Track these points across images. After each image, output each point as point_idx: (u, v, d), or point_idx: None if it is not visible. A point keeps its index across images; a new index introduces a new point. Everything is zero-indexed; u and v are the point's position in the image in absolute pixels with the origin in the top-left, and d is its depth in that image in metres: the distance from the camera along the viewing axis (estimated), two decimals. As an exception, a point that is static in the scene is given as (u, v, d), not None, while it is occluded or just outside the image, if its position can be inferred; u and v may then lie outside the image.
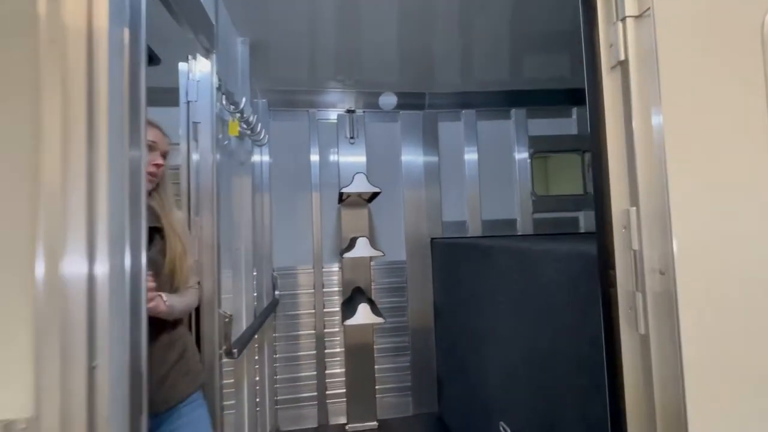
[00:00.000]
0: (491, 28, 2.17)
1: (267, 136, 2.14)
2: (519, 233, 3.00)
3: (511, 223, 3.02)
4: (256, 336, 2.51)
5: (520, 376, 1.58)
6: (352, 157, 2.89)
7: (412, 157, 2.96)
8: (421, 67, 2.61)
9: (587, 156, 3.11)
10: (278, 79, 2.70)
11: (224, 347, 1.42)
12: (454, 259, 2.40)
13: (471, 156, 3.01)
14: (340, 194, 2.37)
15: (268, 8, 1.89)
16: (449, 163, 3.00)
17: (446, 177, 2.99)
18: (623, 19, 0.73)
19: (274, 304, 2.61)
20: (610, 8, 0.76)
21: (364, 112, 2.93)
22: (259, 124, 1.93)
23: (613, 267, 0.76)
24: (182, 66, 1.41)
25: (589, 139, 0.81)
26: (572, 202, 3.07)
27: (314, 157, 2.87)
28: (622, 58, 0.73)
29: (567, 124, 3.12)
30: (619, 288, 0.75)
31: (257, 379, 2.56)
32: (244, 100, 1.54)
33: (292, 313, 2.80)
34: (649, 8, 0.68)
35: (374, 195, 2.53)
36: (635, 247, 0.72)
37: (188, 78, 1.39)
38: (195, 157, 1.41)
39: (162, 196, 1.26)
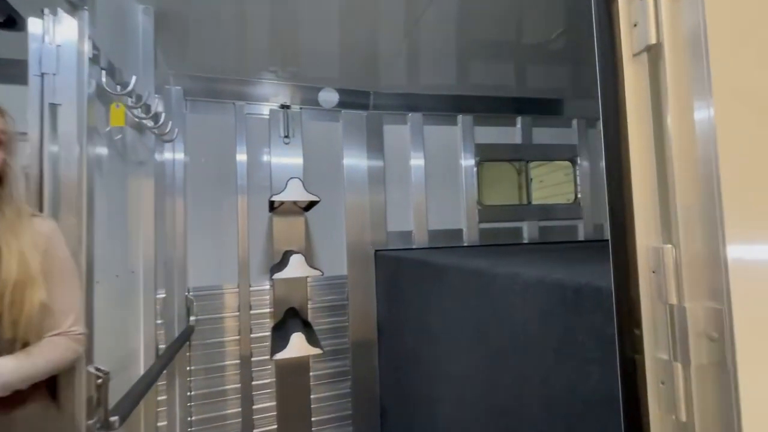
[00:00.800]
0: (437, 29, 2.00)
1: (177, 130, 1.73)
2: (465, 244, 2.88)
3: (458, 233, 2.89)
4: (156, 382, 2.07)
5: (477, 416, 1.38)
6: (286, 159, 2.54)
7: (355, 160, 2.69)
8: (365, 63, 2.37)
9: (530, 166, 3.11)
10: (199, 64, 2.27)
11: (97, 417, 1.03)
12: (402, 275, 2.18)
13: (417, 162, 2.82)
14: (271, 202, 2.02)
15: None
16: (395, 168, 2.78)
17: (392, 184, 2.77)
18: (654, -11, 0.53)
19: (187, 333, 2.17)
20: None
21: (301, 108, 2.60)
22: (163, 115, 1.53)
23: (638, 325, 0.56)
24: (34, 24, 0.99)
25: (604, 145, 0.61)
26: (517, 212, 3.02)
27: (241, 157, 2.47)
28: (653, 41, 0.54)
29: (511, 133, 3.08)
30: (647, 355, 0.55)
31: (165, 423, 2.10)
32: (134, 79, 1.16)
33: (213, 340, 2.36)
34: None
35: (312, 203, 2.22)
36: (672, 300, 0.52)
37: (43, 41, 0.98)
38: (53, 149, 1.00)
39: (4, 199, 0.86)
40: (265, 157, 2.53)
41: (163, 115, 1.50)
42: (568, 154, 3.14)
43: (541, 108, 3.06)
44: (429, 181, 2.83)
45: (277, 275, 1.83)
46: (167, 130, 1.58)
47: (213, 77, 2.39)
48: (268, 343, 2.42)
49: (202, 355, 2.34)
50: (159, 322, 2.13)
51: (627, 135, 0.57)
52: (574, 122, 3.16)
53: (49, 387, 0.94)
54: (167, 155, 2.20)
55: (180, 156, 2.28)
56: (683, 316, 0.51)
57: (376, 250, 2.66)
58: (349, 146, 2.68)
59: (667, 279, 0.53)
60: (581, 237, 3.11)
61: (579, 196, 3.14)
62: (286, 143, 2.54)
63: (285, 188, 1.95)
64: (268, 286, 2.46)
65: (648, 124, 0.55)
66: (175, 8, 1.74)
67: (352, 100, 2.67)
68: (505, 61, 2.45)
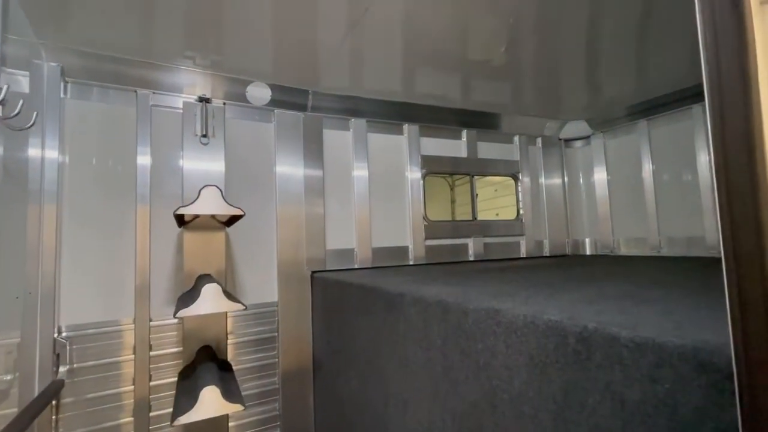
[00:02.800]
0: (383, 29, 1.80)
1: (36, 114, 1.25)
2: (411, 262, 2.66)
3: (403, 251, 2.66)
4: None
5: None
6: (203, 163, 2.10)
7: (290, 168, 2.34)
8: (304, 58, 2.06)
9: (477, 182, 3.02)
10: (88, 37, 1.77)
11: None
12: (345, 302, 1.86)
13: (361, 172, 2.55)
14: (179, 216, 1.59)
15: None
16: (336, 178, 2.48)
17: (332, 195, 2.46)
18: None
19: (53, 390, 1.61)
20: None
21: (224, 104, 2.19)
22: (5, 88, 1.06)
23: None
24: None
25: (711, 129, 0.39)
26: (462, 228, 2.89)
27: (144, 159, 1.98)
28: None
29: (456, 146, 2.97)
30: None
31: None
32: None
33: (94, 395, 1.80)
34: None
35: (235, 217, 1.82)
36: None
37: None
38: None
39: None
40: (176, 161, 2.07)
41: (4, 89, 1.03)
42: (511, 169, 3.12)
43: (484, 122, 3.00)
44: (373, 193, 2.57)
45: (183, 312, 1.39)
46: (15, 112, 1.11)
47: (108, 56, 1.88)
48: (172, 392, 1.93)
49: (78, 417, 1.76)
50: (7, 377, 1.55)
51: (760, 111, 0.35)
52: (516, 138, 3.16)
53: None
54: (31, 152, 1.65)
55: (52, 154, 1.73)
56: None
57: (313, 272, 2.31)
58: (283, 151, 2.32)
59: None
60: (523, 253, 3.08)
61: (521, 212, 3.12)
62: (204, 144, 2.10)
63: (197, 198, 1.54)
64: (174, 320, 1.97)
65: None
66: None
67: (287, 98, 2.32)
68: (451, 72, 2.33)
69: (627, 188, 2.97)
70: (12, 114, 1.10)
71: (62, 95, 1.81)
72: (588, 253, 3.23)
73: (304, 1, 1.58)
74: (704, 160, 2.49)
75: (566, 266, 2.22)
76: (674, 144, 2.68)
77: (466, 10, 1.71)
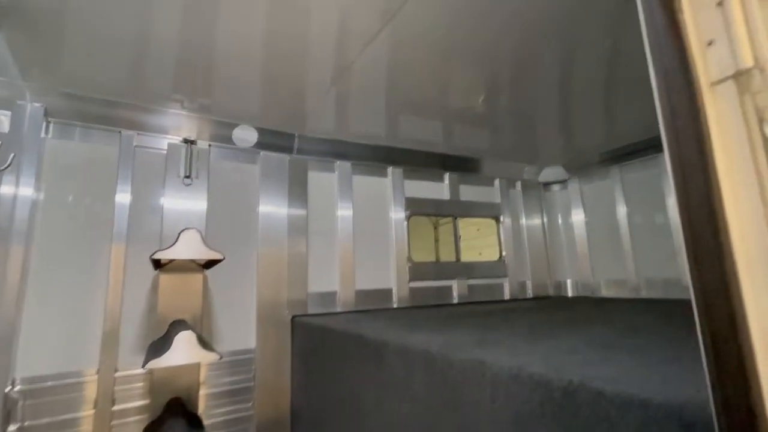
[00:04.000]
0: (368, 78, 1.89)
1: (13, 155, 1.23)
2: (395, 305, 2.61)
3: (387, 293, 2.62)
4: None
5: None
6: (185, 203, 2.07)
7: (274, 208, 2.33)
8: (291, 103, 2.12)
9: (459, 222, 3.06)
10: (71, 80, 1.78)
11: None
12: (327, 350, 1.79)
13: (345, 213, 2.56)
14: (155, 260, 1.54)
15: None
16: (319, 220, 2.47)
17: (315, 236, 2.44)
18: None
19: (-2, 453, 1.45)
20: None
21: (210, 145, 2.20)
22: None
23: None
24: None
25: (678, 200, 0.41)
26: (446, 270, 2.89)
27: (123, 198, 1.94)
28: (749, 64, 0.36)
29: (439, 189, 3.03)
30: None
31: None
32: None
33: (45, 457, 1.63)
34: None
35: (214, 260, 1.77)
36: None
37: None
38: None
39: None
40: (157, 201, 2.03)
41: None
42: (493, 211, 3.19)
43: (466, 166, 3.10)
44: (357, 234, 2.57)
45: (154, 362, 1.31)
46: (-8, 153, 1.09)
47: (93, 98, 1.89)
48: (135, 452, 1.77)
49: (23, 483, 1.58)
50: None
51: (720, 192, 0.37)
52: (496, 182, 3.25)
53: None
54: (4, 189, 1.60)
55: (27, 191, 1.68)
56: None
57: (294, 316, 2.23)
58: (267, 192, 2.32)
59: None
60: (507, 295, 3.07)
61: (504, 253, 3.15)
62: (187, 185, 2.08)
63: (176, 241, 1.50)
64: (143, 370, 1.84)
65: (749, 168, 0.36)
66: (45, 1, 1.32)
67: (273, 141, 2.36)
68: (434, 119, 2.44)
69: (604, 230, 3.06)
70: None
71: (43, 135, 1.79)
72: (570, 294, 3.25)
73: (294, 50, 1.65)
74: (673, 204, 2.61)
75: (549, 309, 2.22)
76: (646, 189, 2.80)
77: (447, 62, 1.82)
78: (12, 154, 1.21)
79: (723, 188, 0.37)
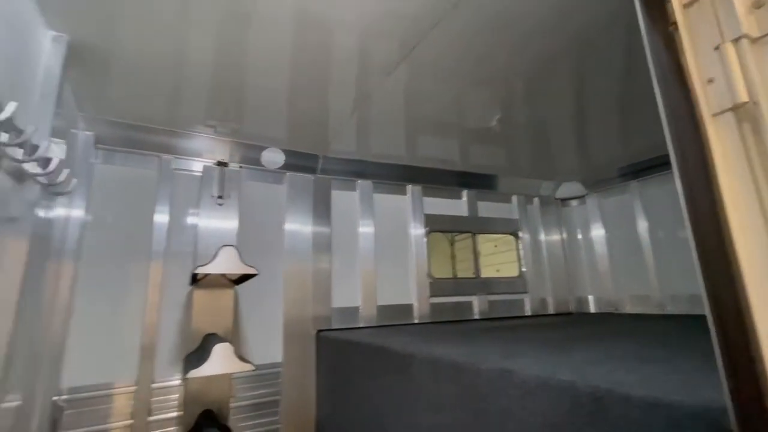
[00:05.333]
0: (388, 104, 2.01)
1: (75, 181, 1.36)
2: (416, 321, 2.64)
3: (408, 308, 2.66)
4: None
5: None
6: (218, 222, 2.19)
7: (299, 226, 2.43)
8: (315, 127, 2.24)
9: (478, 238, 3.10)
10: (120, 109, 1.95)
11: None
12: (352, 363, 1.84)
13: (367, 230, 2.64)
14: (194, 275, 1.64)
15: (111, 3, 1.28)
16: (342, 236, 2.56)
17: (338, 253, 2.52)
18: (736, 41, 0.44)
19: (47, 459, 1.54)
20: (705, 28, 0.47)
21: (240, 167, 2.33)
22: (57, 161, 1.17)
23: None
24: None
25: (690, 222, 0.47)
26: (466, 286, 2.91)
27: (161, 218, 2.07)
28: (744, 99, 0.43)
29: (458, 205, 3.09)
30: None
31: None
32: (11, 106, 0.85)
33: (86, 465, 1.71)
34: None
35: (246, 275, 1.86)
36: None
37: None
38: None
39: None
40: (192, 220, 2.16)
41: (56, 161, 1.14)
42: (511, 227, 3.22)
43: (483, 183, 3.16)
44: (378, 251, 2.64)
45: (194, 372, 1.39)
46: (60, 179, 1.21)
47: (136, 125, 2.06)
48: (169, 462, 1.83)
49: (67, 490, 1.66)
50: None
51: (725, 211, 0.43)
52: (514, 198, 3.30)
53: None
54: (59, 211, 1.74)
55: (78, 213, 1.83)
56: None
57: (319, 331, 2.30)
58: (293, 210, 2.43)
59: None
60: (528, 311, 3.07)
61: (523, 269, 3.16)
62: (220, 204, 2.21)
63: (215, 257, 1.60)
64: (177, 382, 1.93)
65: (751, 194, 0.42)
66: (98, 42, 1.48)
67: (299, 162, 2.48)
68: (451, 138, 2.53)
69: (625, 246, 3.04)
70: (57, 181, 1.21)
71: (92, 160, 1.95)
72: (592, 310, 3.22)
73: (318, 81, 1.78)
74: (696, 219, 2.59)
75: (572, 325, 2.22)
76: (666, 203, 2.80)
77: (462, 86, 1.91)
78: (74, 180, 1.34)
79: (726, 203, 0.43)
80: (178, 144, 2.17)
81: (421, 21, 1.44)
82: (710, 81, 0.46)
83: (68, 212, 1.78)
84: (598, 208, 3.26)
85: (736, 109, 0.44)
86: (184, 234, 2.12)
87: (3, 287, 1.23)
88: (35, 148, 1.09)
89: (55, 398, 1.68)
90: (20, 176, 1.21)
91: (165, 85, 1.77)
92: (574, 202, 3.45)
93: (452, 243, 5.46)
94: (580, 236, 3.38)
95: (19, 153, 1.07)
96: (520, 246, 3.21)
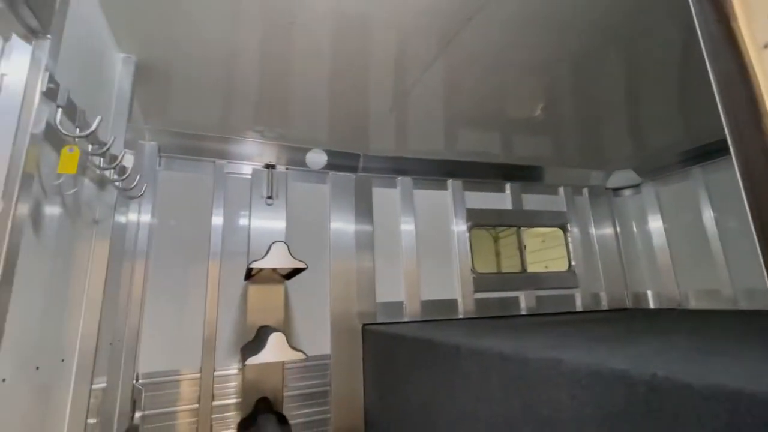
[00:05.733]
0: (426, 100, 2.01)
1: (145, 185, 1.51)
2: (461, 316, 2.63)
3: (452, 304, 2.65)
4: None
5: None
6: (268, 222, 2.32)
7: (343, 224, 2.51)
8: (355, 127, 2.30)
9: (523, 233, 3.01)
10: (179, 121, 2.13)
11: None
12: (398, 355, 1.88)
13: (408, 226, 2.67)
14: (249, 269, 1.76)
15: (171, 24, 1.41)
16: (384, 233, 2.61)
17: (381, 249, 2.57)
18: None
19: (129, 435, 1.72)
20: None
21: (287, 168, 2.45)
22: (130, 168, 1.31)
23: None
24: (-24, 48, 0.81)
25: (747, 202, 0.45)
26: (512, 281, 2.85)
27: (217, 219, 2.23)
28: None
29: (501, 199, 3.03)
30: None
31: None
32: (97, 120, 0.97)
33: (161, 443, 1.90)
34: None
35: (296, 271, 1.96)
36: None
37: (-18, 66, 0.79)
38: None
39: None
40: (244, 220, 2.31)
41: (129, 168, 1.29)
42: (559, 220, 3.10)
43: (528, 175, 3.07)
44: (420, 246, 2.66)
45: (252, 359, 1.50)
46: (134, 184, 1.36)
47: (193, 134, 2.23)
48: (231, 445, 1.98)
49: (145, 465, 1.85)
50: (92, 421, 1.68)
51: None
52: (561, 189, 3.17)
53: None
54: (132, 216, 1.94)
55: (146, 217, 2.03)
56: None
57: (364, 325, 2.36)
58: (336, 209, 2.52)
59: None
60: (579, 307, 2.93)
61: (573, 263, 3.03)
62: (269, 204, 2.34)
63: (267, 253, 1.71)
64: (235, 371, 2.07)
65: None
66: (161, 62, 1.63)
67: (340, 162, 2.56)
68: (492, 131, 2.48)
69: (688, 237, 2.82)
70: (131, 186, 1.36)
71: (157, 168, 2.15)
72: (652, 306, 3.01)
73: (357, 80, 1.83)
74: (772, 205, 2.34)
75: (628, 320, 2.10)
76: (735, 189, 2.55)
77: (503, 78, 1.87)
78: (145, 185, 1.50)
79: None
80: (230, 149, 2.33)
81: (457, 13, 1.44)
82: (766, 46, 0.44)
83: (138, 217, 1.97)
84: (656, 197, 3.04)
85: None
86: (237, 235, 2.27)
87: (92, 285, 1.40)
88: (114, 157, 1.23)
89: (134, 382, 1.87)
90: (102, 183, 1.37)
91: (217, 95, 1.91)
92: (627, 192, 3.25)
93: (496, 240, 5.33)
94: (635, 228, 3.18)
95: (100, 162, 1.22)
96: (569, 239, 3.07)
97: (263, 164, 2.39)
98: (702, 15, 0.49)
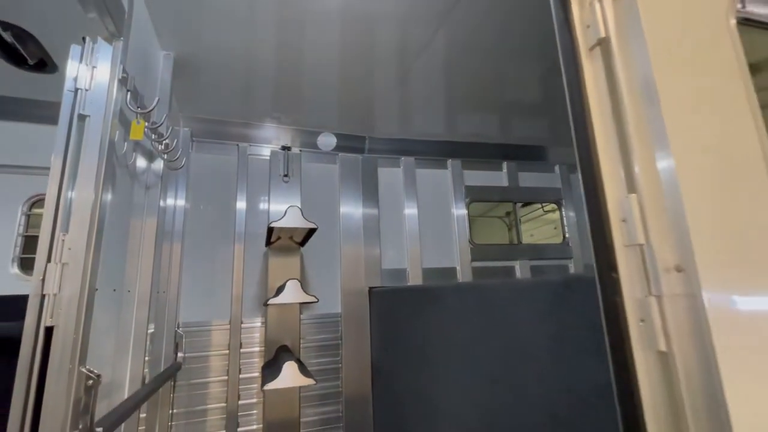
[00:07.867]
0: (426, 81, 2.26)
1: (185, 159, 1.84)
2: (459, 282, 2.89)
3: (451, 271, 2.92)
4: (142, 415, 1.95)
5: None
6: (284, 199, 2.64)
7: (351, 200, 2.81)
8: (362, 111, 2.58)
9: (518, 207, 3.24)
10: (207, 108, 2.46)
11: (81, 426, 0.98)
12: (397, 307, 2.17)
13: (410, 202, 2.94)
14: (269, 231, 2.08)
15: (202, 24, 1.72)
16: (389, 209, 2.89)
17: (386, 223, 2.86)
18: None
19: (173, 370, 2.08)
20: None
21: (300, 150, 2.76)
22: (175, 142, 1.64)
23: (615, 269, 0.61)
24: (75, 49, 1.13)
25: (573, 126, 0.71)
26: (507, 252, 3.09)
27: (241, 204, 2.56)
28: (602, 35, 0.67)
29: (498, 177, 3.26)
30: (625, 296, 0.60)
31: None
32: (156, 100, 1.29)
33: (198, 381, 2.26)
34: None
35: (308, 235, 2.27)
36: (640, 240, 0.59)
37: (80, 61, 1.12)
38: (77, 155, 1.08)
39: None
40: (264, 204, 2.62)
41: (174, 142, 1.61)
42: (554, 196, 3.31)
43: (525, 154, 3.28)
44: (422, 220, 2.93)
45: (273, 300, 1.82)
46: (176, 157, 1.69)
47: (219, 120, 2.57)
48: (256, 385, 2.32)
49: (186, 397, 2.21)
50: (147, 358, 2.05)
51: (590, 111, 0.67)
52: (557, 168, 3.37)
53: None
54: (170, 201, 2.30)
55: (181, 203, 2.38)
56: (651, 254, 0.58)
57: (371, 288, 2.66)
58: (345, 187, 2.81)
59: (634, 223, 0.60)
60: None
61: (567, 236, 3.24)
62: (286, 182, 2.66)
63: (284, 215, 2.02)
64: (259, 323, 2.41)
65: (606, 100, 0.66)
66: (193, 56, 1.95)
67: (348, 144, 2.85)
68: (491, 112, 2.71)
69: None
70: (174, 158, 1.69)
71: (190, 151, 2.49)
72: (644, 276, 3.19)
73: (363, 68, 2.10)
74: None
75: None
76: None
77: (501, 60, 2.09)
78: (184, 158, 1.83)
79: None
80: (251, 133, 2.66)
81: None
82: (588, 26, 0.70)
83: (175, 202, 2.32)
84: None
85: (600, 44, 0.67)
86: (258, 217, 2.59)
87: (145, 245, 1.74)
88: (161, 135, 1.56)
89: (176, 330, 2.24)
90: (150, 156, 1.71)
91: (241, 86, 2.22)
92: (622, 170, 3.41)
93: (510, 228, 5.53)
94: (629, 203, 3.34)
95: (152, 137, 1.54)
96: (564, 214, 3.28)
97: (280, 146, 2.70)
98: None
